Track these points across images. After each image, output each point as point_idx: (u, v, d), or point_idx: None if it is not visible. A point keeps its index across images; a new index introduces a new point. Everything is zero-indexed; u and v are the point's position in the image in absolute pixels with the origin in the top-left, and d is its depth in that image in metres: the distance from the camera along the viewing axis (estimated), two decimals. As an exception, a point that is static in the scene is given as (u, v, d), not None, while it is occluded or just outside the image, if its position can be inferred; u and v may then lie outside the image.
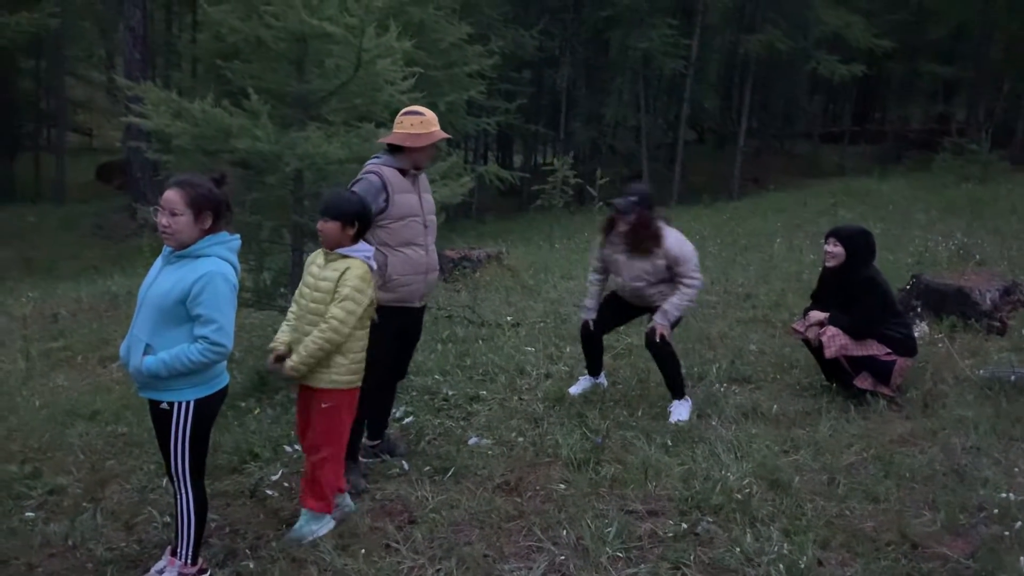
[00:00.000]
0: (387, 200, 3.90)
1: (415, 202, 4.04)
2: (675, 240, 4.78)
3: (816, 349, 5.01)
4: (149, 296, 3.05)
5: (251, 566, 3.32)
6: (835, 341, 4.84)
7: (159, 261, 3.13)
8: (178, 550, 3.18)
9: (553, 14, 23.16)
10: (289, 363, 3.48)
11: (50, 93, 28.78)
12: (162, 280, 3.03)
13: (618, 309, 5.16)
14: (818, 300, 5.14)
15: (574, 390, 5.22)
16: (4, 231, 18.74)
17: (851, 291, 4.87)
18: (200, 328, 2.95)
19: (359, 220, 3.55)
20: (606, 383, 5.35)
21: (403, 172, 3.99)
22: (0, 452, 4.69)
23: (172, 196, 2.99)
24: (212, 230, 3.06)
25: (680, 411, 4.77)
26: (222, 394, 3.20)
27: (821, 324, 4.94)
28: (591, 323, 5.16)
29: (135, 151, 16.15)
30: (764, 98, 27.42)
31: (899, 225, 11.85)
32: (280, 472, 4.20)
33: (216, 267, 2.99)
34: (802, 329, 5.08)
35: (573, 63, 24.97)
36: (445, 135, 4.10)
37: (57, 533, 3.66)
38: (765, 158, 27.62)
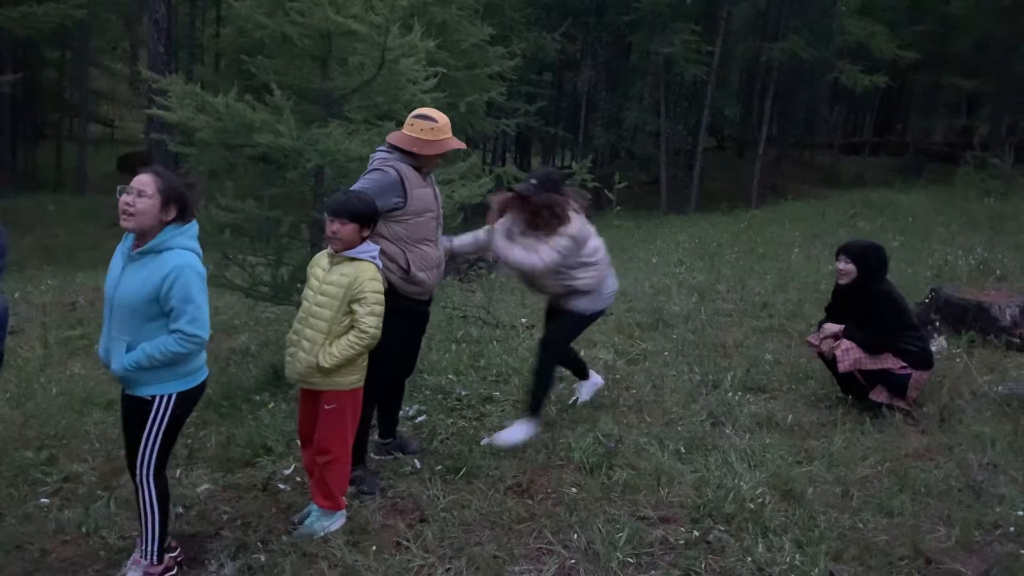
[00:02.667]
0: (404, 196, 3.86)
1: (431, 197, 4.02)
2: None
3: (831, 362, 4.97)
4: (118, 297, 3.02)
5: (262, 559, 3.33)
6: (849, 355, 4.80)
7: (118, 259, 3.07)
8: (142, 548, 3.14)
9: (575, 17, 23.16)
10: (319, 360, 3.46)
11: (74, 84, 29.13)
12: (128, 280, 3.00)
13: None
14: (832, 315, 5.10)
15: (583, 398, 5.10)
16: (25, 220, 18.92)
17: (865, 306, 4.83)
18: (174, 322, 2.96)
19: (374, 222, 3.56)
20: (602, 381, 5.18)
21: (417, 168, 3.97)
22: (17, 438, 4.74)
23: (144, 179, 2.98)
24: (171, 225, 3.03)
25: (515, 432, 4.47)
26: (201, 388, 3.21)
27: (835, 337, 4.91)
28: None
29: (157, 143, 16.26)
30: (785, 106, 27.30)
31: (919, 238, 11.76)
32: (293, 466, 4.22)
33: (182, 260, 2.97)
34: (816, 342, 5.04)
35: (594, 67, 24.97)
36: (458, 144, 4.00)
37: (71, 520, 3.69)
38: (784, 167, 27.49)
